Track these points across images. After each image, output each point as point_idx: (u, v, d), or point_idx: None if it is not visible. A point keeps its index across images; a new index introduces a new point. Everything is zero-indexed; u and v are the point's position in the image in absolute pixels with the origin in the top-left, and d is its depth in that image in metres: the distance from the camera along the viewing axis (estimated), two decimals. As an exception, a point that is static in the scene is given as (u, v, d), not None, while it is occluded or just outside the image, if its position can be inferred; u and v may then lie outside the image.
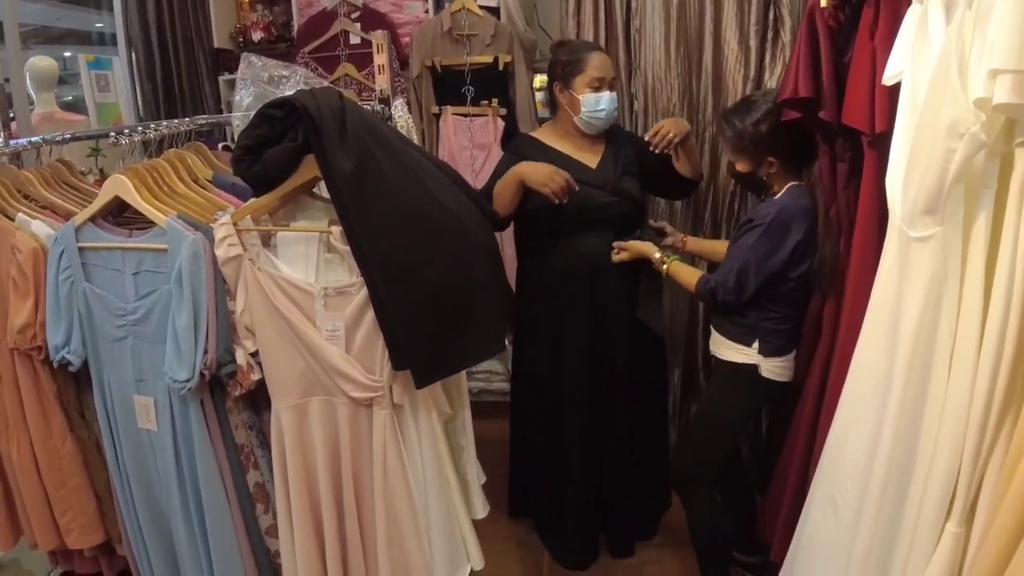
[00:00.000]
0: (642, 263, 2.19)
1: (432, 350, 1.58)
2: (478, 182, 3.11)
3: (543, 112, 3.29)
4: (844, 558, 1.45)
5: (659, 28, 2.51)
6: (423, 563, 1.70)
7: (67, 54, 4.17)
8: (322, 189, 1.69)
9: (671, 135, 2.13)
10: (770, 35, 2.45)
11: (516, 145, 2.33)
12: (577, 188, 2.06)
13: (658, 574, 2.42)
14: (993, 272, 1.18)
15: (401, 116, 1.80)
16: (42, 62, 3.15)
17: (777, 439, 2.11)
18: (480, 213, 1.69)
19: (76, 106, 3.53)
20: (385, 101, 1.80)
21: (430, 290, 1.53)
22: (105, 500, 1.91)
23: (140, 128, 1.89)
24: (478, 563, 1.83)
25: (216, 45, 3.67)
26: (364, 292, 1.53)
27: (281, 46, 3.56)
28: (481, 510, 1.92)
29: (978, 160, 1.19)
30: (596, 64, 2.16)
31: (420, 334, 1.55)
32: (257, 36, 3.63)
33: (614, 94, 2.18)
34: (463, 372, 1.81)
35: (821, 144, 1.76)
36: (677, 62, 2.52)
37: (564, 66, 2.19)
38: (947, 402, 1.26)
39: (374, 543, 1.69)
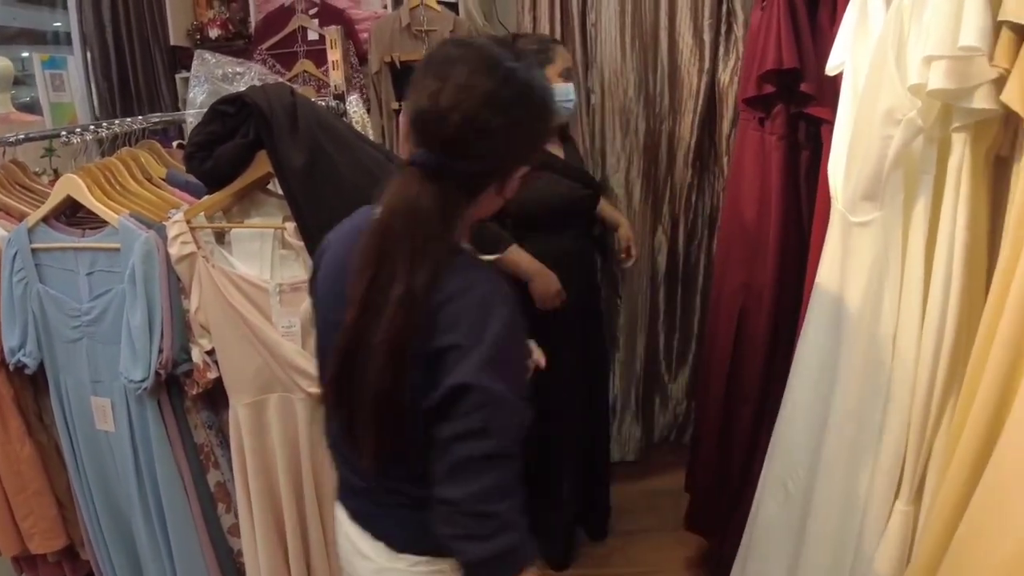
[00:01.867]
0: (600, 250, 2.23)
1: None
2: (439, 178, 3.12)
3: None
4: (798, 541, 1.48)
5: (615, 22, 2.53)
6: (387, 558, 1.70)
7: (24, 54, 4.09)
8: (277, 185, 1.69)
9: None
10: (723, 28, 2.49)
11: None
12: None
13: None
14: (933, 255, 1.21)
15: (356, 112, 1.80)
16: (-2, 62, 3.09)
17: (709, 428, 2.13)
18: None
19: (33, 107, 3.46)
20: (340, 97, 1.79)
21: None
22: (67, 504, 1.89)
23: (92, 127, 1.86)
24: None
25: (172, 42, 3.61)
26: (319, 288, 1.53)
27: (239, 43, 3.51)
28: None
29: (916, 146, 1.22)
30: (565, 55, 2.19)
31: None
32: (214, 33, 3.57)
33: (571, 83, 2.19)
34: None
35: (780, 131, 1.74)
36: (633, 56, 2.55)
37: (534, 56, 2.14)
38: (892, 383, 1.29)
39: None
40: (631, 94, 2.57)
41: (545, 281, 2.08)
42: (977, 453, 1.07)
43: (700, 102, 2.55)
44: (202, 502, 1.73)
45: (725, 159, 2.60)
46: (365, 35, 3.23)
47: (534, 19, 2.58)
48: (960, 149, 1.14)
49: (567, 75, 2.16)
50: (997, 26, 1.02)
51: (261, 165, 1.55)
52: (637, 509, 2.66)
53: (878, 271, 1.26)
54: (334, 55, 1.79)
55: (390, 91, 3.17)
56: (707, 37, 2.47)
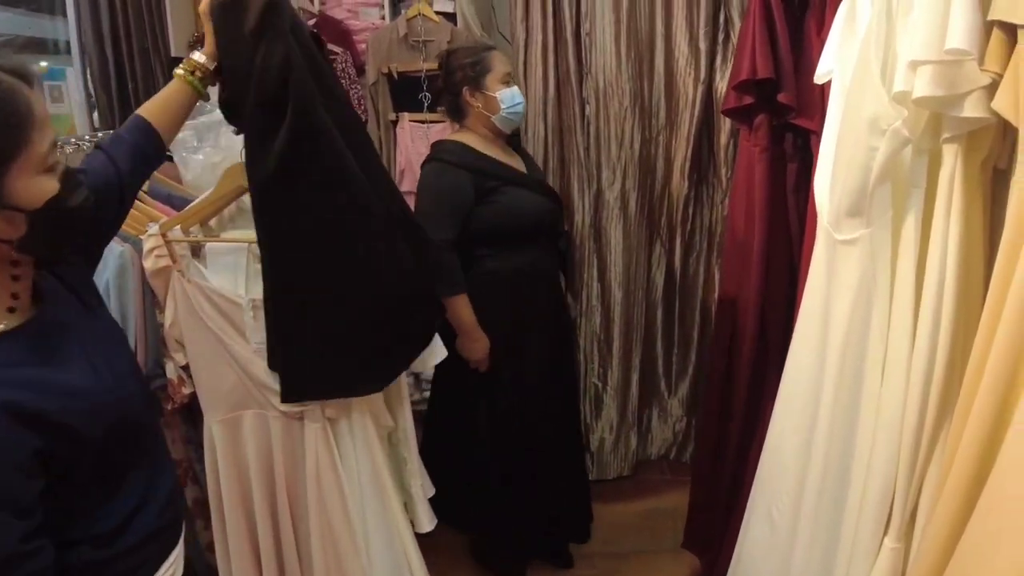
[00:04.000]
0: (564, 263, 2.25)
1: (306, 373, 1.52)
2: (436, 189, 3.09)
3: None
4: (782, 574, 1.41)
5: (609, 31, 2.49)
6: (362, 578, 1.66)
7: (43, 63, 4.11)
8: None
9: None
10: (720, 37, 2.44)
11: (451, 152, 2.12)
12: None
13: None
14: (924, 276, 1.15)
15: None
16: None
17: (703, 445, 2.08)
18: (418, 261, 1.57)
19: (32, 118, 3.47)
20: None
21: (321, 320, 1.48)
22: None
23: (74, 139, 1.84)
24: (422, 578, 1.78)
25: (173, 53, 3.60)
26: (291, 303, 1.49)
27: (238, 54, 3.51)
28: (427, 524, 1.86)
29: (905, 158, 1.16)
30: (502, 59, 2.15)
31: (301, 353, 1.50)
32: (214, 44, 3.57)
33: (516, 88, 2.15)
34: (404, 383, 1.77)
35: (763, 143, 1.69)
36: (628, 66, 2.50)
37: (471, 68, 2.12)
38: (881, 411, 1.23)
39: (311, 559, 1.65)
40: (626, 104, 2.53)
41: (472, 345, 2.11)
42: (969, 485, 1.01)
43: (697, 112, 2.50)
44: (179, 519, 1.69)
45: (723, 170, 2.56)
46: (363, 46, 3.21)
47: (527, 29, 2.54)
48: (951, 161, 1.08)
49: (507, 80, 2.12)
50: (988, 27, 0.96)
51: (234, 177, 1.52)
52: (631, 529, 2.60)
53: (865, 292, 1.20)
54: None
55: (387, 102, 3.15)
56: (703, 46, 2.43)
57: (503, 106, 2.10)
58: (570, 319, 2.30)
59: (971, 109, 0.99)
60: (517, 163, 2.20)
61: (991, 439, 0.98)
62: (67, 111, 3.36)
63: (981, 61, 0.95)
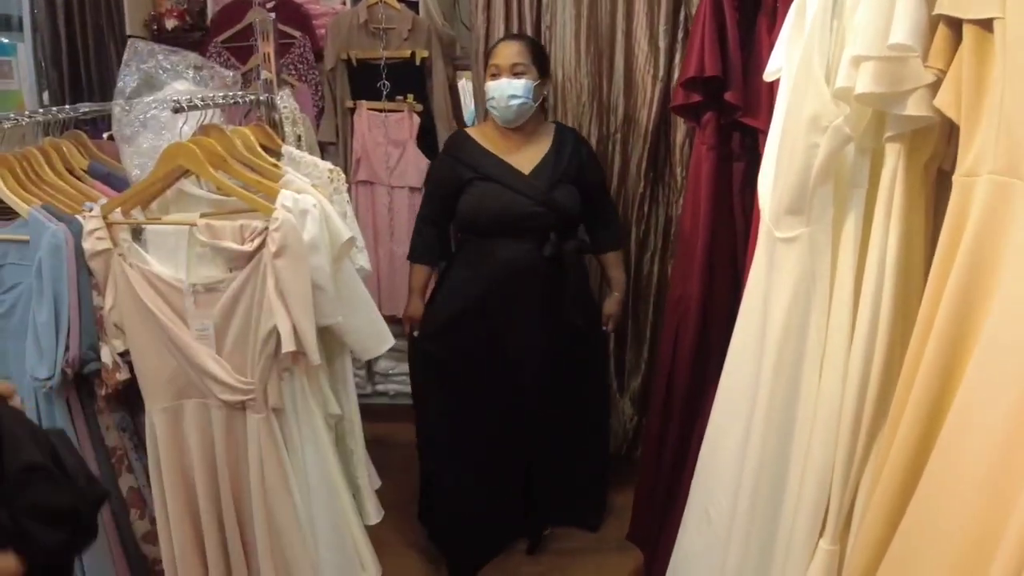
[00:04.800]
0: (561, 268, 2.20)
1: None
2: (392, 178, 3.07)
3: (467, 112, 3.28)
4: (718, 573, 1.39)
5: (570, 26, 2.48)
6: (311, 572, 1.63)
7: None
8: (203, 182, 1.62)
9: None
10: (680, 35, 2.44)
11: (451, 144, 2.34)
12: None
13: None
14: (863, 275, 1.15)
15: (287, 107, 1.73)
16: (-58, 48, 3.01)
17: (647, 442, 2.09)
18: None
19: (-11, 96, 3.37)
20: (269, 90, 1.73)
21: None
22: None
23: (12, 116, 1.78)
24: (373, 571, 1.77)
25: (128, 32, 3.53)
26: (232, 288, 1.46)
27: (195, 35, 3.45)
28: (375, 515, 1.86)
29: (848, 157, 1.16)
30: (496, 52, 2.19)
31: None
32: (171, 24, 3.50)
33: (515, 81, 2.14)
34: (349, 371, 1.76)
35: (710, 141, 1.69)
36: (587, 61, 2.50)
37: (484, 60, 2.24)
38: (818, 412, 1.22)
39: (256, 554, 1.62)
40: (584, 99, 2.53)
41: (407, 305, 2.42)
42: (900, 487, 1.01)
43: (655, 111, 2.51)
44: (112, 507, 1.65)
45: (679, 170, 2.56)
46: (323, 31, 3.17)
47: (488, 19, 2.53)
48: (893, 161, 1.07)
49: (494, 72, 2.16)
50: (934, 23, 0.94)
51: (172, 157, 1.48)
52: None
53: (804, 291, 1.19)
54: (266, 47, 1.73)
55: (346, 88, 3.13)
56: (663, 44, 2.43)
57: (487, 99, 2.18)
58: (571, 321, 2.28)
59: (914, 107, 0.99)
60: (521, 159, 2.22)
61: (923, 440, 0.98)
62: (16, 87, 3.26)
63: (925, 58, 0.95)
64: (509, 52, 2.17)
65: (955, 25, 0.90)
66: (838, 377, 1.19)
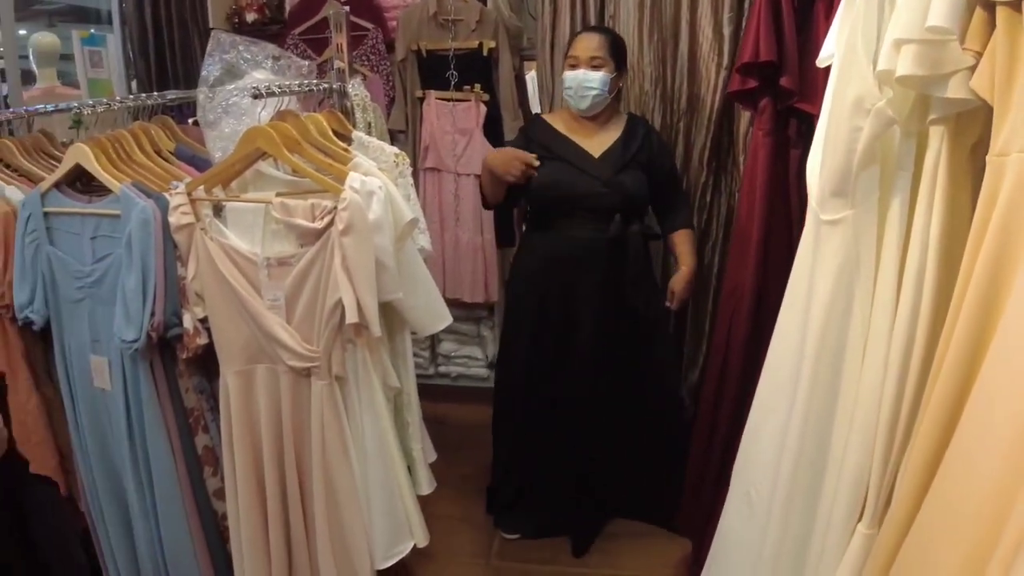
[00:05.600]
0: (623, 251, 2.25)
1: None
2: (459, 166, 3.15)
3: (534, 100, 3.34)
4: (757, 556, 1.41)
5: (633, 15, 2.51)
6: (362, 534, 1.72)
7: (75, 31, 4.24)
8: (279, 163, 1.73)
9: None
10: (744, 22, 2.44)
11: (527, 126, 2.49)
12: (536, 165, 2.21)
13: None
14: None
15: (358, 95, 1.82)
16: (44, 39, 3.24)
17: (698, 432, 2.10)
18: None
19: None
20: (341, 79, 1.82)
21: None
22: (67, 456, 1.95)
23: (106, 101, 1.93)
24: (422, 540, 1.84)
25: (211, 25, 3.70)
26: (302, 263, 1.56)
27: (273, 27, 3.59)
28: (427, 486, 1.94)
29: (894, 141, 1.18)
30: (576, 43, 2.26)
31: None
32: (251, 17, 3.65)
33: (593, 73, 2.22)
34: (408, 347, 1.84)
35: (767, 127, 1.71)
36: (651, 49, 2.53)
37: (564, 54, 2.31)
38: (859, 396, 1.23)
39: (314, 514, 1.72)
40: (647, 88, 2.56)
41: (494, 157, 2.29)
42: (925, 470, 1.02)
43: (718, 99, 2.51)
44: (188, 463, 1.77)
45: (742, 158, 2.56)
46: (393, 23, 3.27)
47: (554, 11, 2.59)
48: (937, 144, 1.08)
49: (573, 63, 2.23)
50: (971, 5, 0.95)
51: (252, 139, 1.59)
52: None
53: (848, 275, 1.20)
54: (339, 38, 1.82)
55: (415, 78, 3.22)
56: (727, 31, 2.43)
57: (564, 87, 2.26)
58: (632, 304, 2.32)
59: (955, 90, 1.00)
60: (592, 144, 2.30)
61: (949, 424, 0.99)
62: (106, 76, 3.47)
63: (963, 40, 0.95)
64: (588, 45, 2.24)
65: (990, 7, 0.91)
66: (880, 361, 1.19)
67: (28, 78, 3.14)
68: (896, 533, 1.06)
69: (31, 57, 3.22)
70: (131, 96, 1.97)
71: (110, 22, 3.68)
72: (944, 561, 0.95)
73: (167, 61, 3.62)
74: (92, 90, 3.32)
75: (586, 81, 2.21)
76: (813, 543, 1.33)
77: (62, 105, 2.06)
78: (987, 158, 0.92)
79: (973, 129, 1.09)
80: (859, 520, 1.25)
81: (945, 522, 0.96)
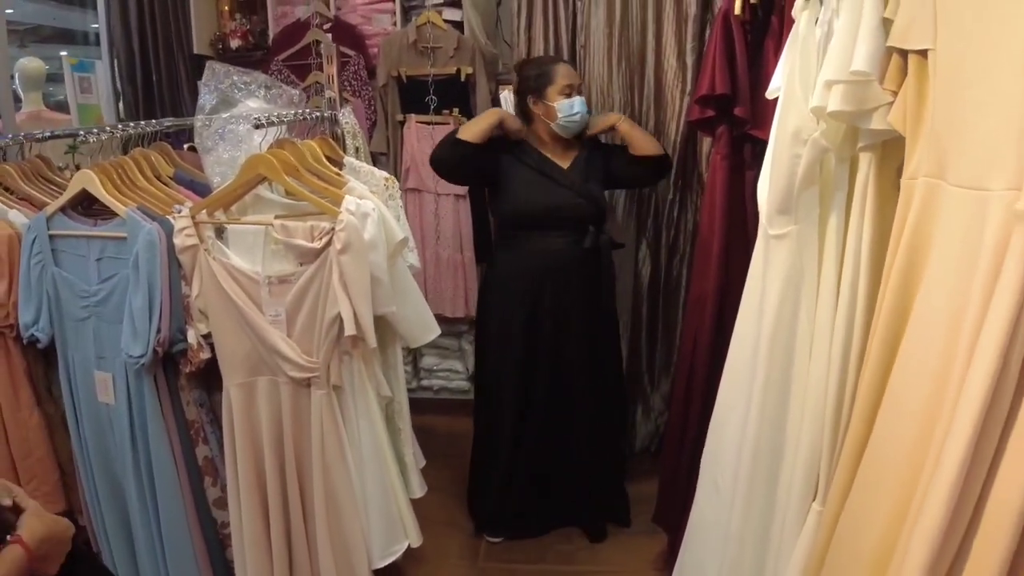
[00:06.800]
0: (598, 259, 2.41)
1: None
2: (439, 186, 3.29)
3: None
4: (725, 539, 1.56)
5: (602, 45, 2.68)
6: (359, 535, 1.84)
7: (63, 53, 4.30)
8: (275, 187, 1.85)
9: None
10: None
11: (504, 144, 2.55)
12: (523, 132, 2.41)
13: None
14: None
15: (348, 122, 1.95)
16: (31, 63, 3.30)
17: (671, 430, 2.24)
18: None
19: (64, 106, 3.66)
20: (333, 107, 1.95)
21: None
22: (68, 471, 2.03)
23: (108, 128, 2.04)
24: (415, 540, 1.97)
25: (196, 51, 3.79)
26: (302, 280, 1.69)
27: (257, 54, 3.69)
28: (419, 489, 2.07)
29: (830, 164, 1.34)
30: (564, 73, 2.40)
31: None
32: (235, 43, 3.75)
33: (583, 98, 2.40)
34: (399, 358, 1.97)
35: (723, 151, 1.86)
36: (619, 76, 2.69)
37: (534, 80, 2.41)
38: (808, 389, 1.39)
39: (314, 516, 1.83)
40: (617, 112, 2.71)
41: (511, 118, 2.43)
42: (856, 452, 1.18)
43: (682, 122, 2.68)
44: (190, 474, 1.88)
45: (706, 177, 2.73)
46: (375, 50, 3.40)
47: (529, 39, 2.75)
48: (866, 168, 1.25)
49: (567, 91, 2.37)
50: (888, 52, 1.11)
51: (253, 166, 1.71)
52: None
53: (794, 282, 1.37)
54: (330, 69, 1.95)
55: (396, 103, 3.35)
56: (690, 60, 2.61)
57: (560, 114, 2.38)
58: (604, 316, 2.52)
59: (877, 122, 1.17)
60: (559, 157, 2.46)
61: (870, 417, 1.15)
62: (95, 102, 3.55)
63: (882, 81, 1.12)
64: (570, 72, 2.42)
65: (903, 55, 1.08)
66: (824, 358, 1.35)
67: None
68: (835, 508, 1.21)
69: (17, 81, 3.29)
70: (131, 124, 2.07)
71: (97, 44, 3.75)
72: (869, 530, 1.11)
73: (153, 86, 3.71)
74: (82, 115, 3.40)
75: (580, 106, 2.38)
76: (775, 521, 1.49)
77: (66, 131, 2.17)
78: (901, 180, 1.09)
79: (898, 154, 1.25)
80: (814, 499, 1.41)
81: (869, 497, 1.11)
